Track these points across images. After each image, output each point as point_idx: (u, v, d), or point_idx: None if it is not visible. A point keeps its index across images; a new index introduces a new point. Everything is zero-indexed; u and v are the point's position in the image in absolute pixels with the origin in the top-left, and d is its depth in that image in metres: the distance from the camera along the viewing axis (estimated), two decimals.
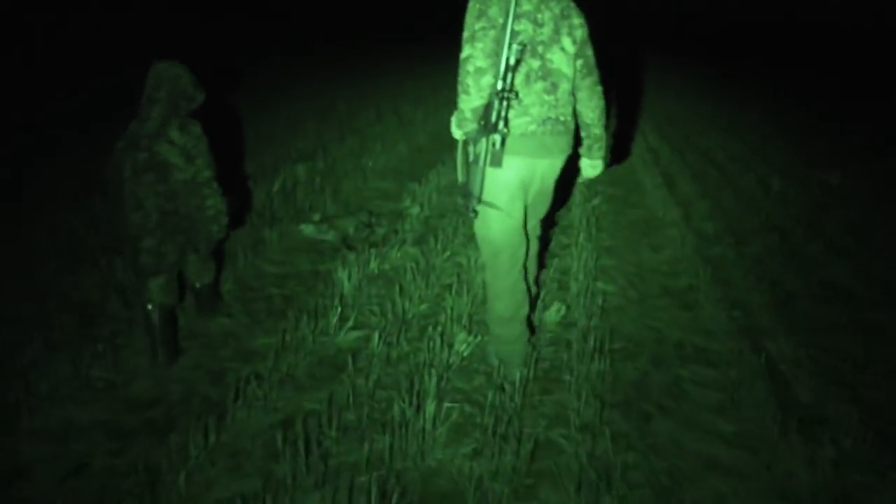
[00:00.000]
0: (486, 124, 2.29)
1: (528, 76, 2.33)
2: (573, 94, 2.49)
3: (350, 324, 3.06)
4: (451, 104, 2.43)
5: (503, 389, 2.60)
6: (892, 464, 2.38)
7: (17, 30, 11.42)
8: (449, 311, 3.14)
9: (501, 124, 2.27)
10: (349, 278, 3.48)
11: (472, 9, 2.28)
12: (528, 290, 2.80)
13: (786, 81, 14.16)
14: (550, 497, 2.14)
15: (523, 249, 2.64)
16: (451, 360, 2.79)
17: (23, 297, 3.15)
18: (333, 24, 19.42)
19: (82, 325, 2.92)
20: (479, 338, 2.93)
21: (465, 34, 2.28)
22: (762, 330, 3.32)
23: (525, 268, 2.74)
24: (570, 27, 2.38)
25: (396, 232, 4.31)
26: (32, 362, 2.64)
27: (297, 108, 8.22)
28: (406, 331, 3.05)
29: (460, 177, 2.54)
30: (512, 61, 2.19)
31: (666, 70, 15.66)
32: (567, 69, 2.40)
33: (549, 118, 2.40)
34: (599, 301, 3.46)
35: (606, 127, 2.65)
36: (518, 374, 2.70)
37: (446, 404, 2.51)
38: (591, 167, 2.76)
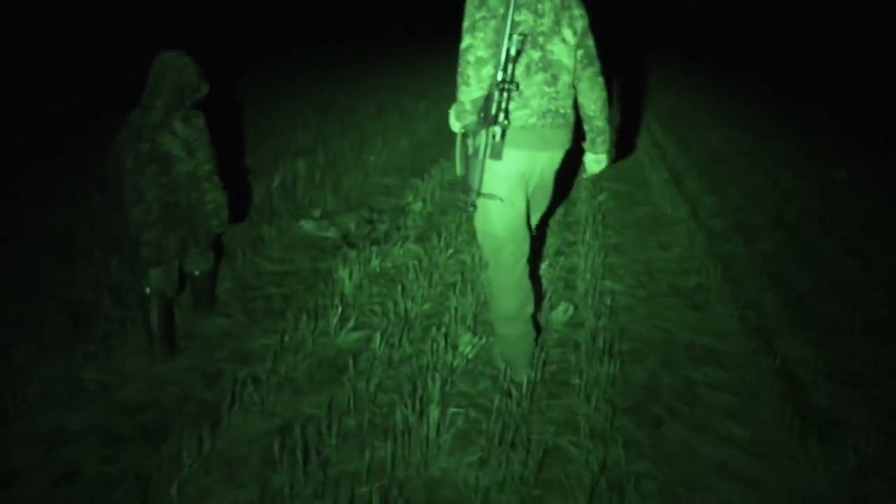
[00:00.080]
0: (486, 116, 2.25)
1: (528, 67, 2.30)
2: (573, 85, 2.45)
3: (351, 324, 2.97)
4: (453, 99, 2.36)
5: (510, 394, 2.51)
6: None
7: (18, 30, 11.30)
8: (453, 311, 3.05)
9: (502, 116, 2.23)
10: (350, 277, 3.39)
11: None
12: (532, 287, 2.71)
13: (786, 77, 14.03)
14: None
15: (528, 243, 2.56)
16: (455, 363, 2.70)
17: (15, 297, 3.06)
18: (334, 19, 19.28)
19: (75, 325, 2.84)
20: (483, 339, 2.84)
21: (466, 24, 2.24)
22: (774, 330, 3.23)
23: (528, 264, 2.64)
24: (571, 18, 2.35)
25: (398, 228, 4.22)
26: (23, 364, 2.56)
27: (298, 102, 8.11)
28: (408, 331, 2.96)
29: (458, 170, 2.49)
30: (513, 52, 2.16)
31: (666, 64, 15.53)
32: (568, 61, 2.36)
33: (550, 110, 2.36)
34: (608, 301, 3.37)
35: (609, 120, 2.59)
36: (525, 376, 2.61)
37: (451, 410, 2.42)
38: (595, 162, 2.69)
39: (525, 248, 2.55)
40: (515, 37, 2.15)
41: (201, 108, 2.76)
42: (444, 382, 2.55)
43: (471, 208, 2.38)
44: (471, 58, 2.22)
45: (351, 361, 2.67)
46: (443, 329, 2.90)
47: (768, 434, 2.45)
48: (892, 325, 3.35)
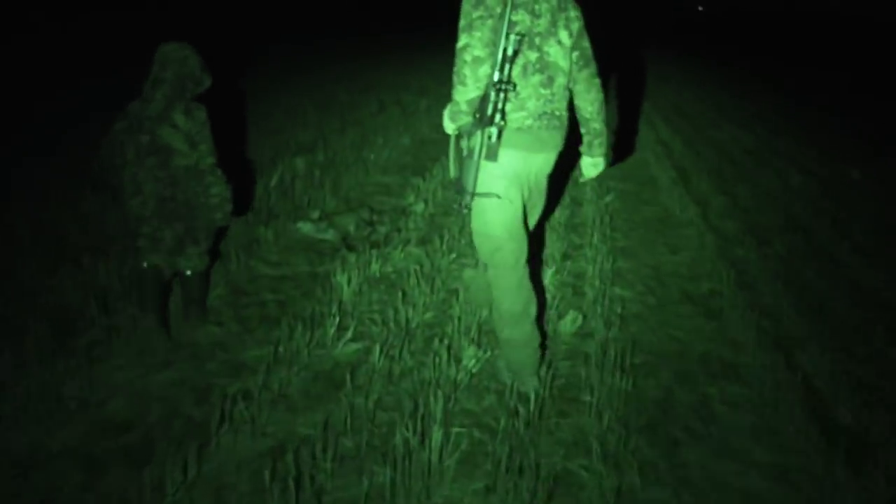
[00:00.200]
0: (482, 117, 2.22)
1: (525, 68, 2.27)
2: (568, 87, 2.42)
3: (349, 334, 2.81)
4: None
5: (516, 413, 2.36)
6: None
7: (19, 29, 11.13)
8: (456, 321, 2.90)
9: (498, 117, 2.20)
10: (349, 282, 3.24)
11: None
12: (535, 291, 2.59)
13: (787, 73, 13.86)
14: None
15: (526, 244, 2.50)
16: (458, 377, 2.55)
17: None
18: (335, 16, 19.09)
19: (58, 334, 2.69)
20: (488, 352, 2.70)
21: (462, 23, 2.21)
22: (792, 340, 3.08)
23: (528, 265, 2.58)
24: (567, 20, 2.34)
25: (399, 231, 4.06)
26: None
27: (298, 98, 7.95)
28: (409, 343, 2.81)
29: (452, 172, 2.44)
30: (510, 52, 2.13)
31: (667, 60, 15.36)
32: (563, 63, 2.34)
33: (545, 113, 2.34)
34: (617, 309, 3.22)
35: (606, 122, 2.54)
36: (532, 386, 2.49)
37: (454, 430, 2.27)
38: (592, 166, 2.64)
39: (525, 248, 2.49)
40: (513, 37, 2.11)
41: (202, 102, 2.68)
42: (447, 399, 2.41)
43: (465, 210, 2.34)
44: (467, 57, 2.18)
45: (348, 376, 2.52)
46: (445, 341, 2.75)
47: (792, 457, 2.30)
48: None
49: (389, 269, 3.56)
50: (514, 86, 2.20)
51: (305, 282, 3.40)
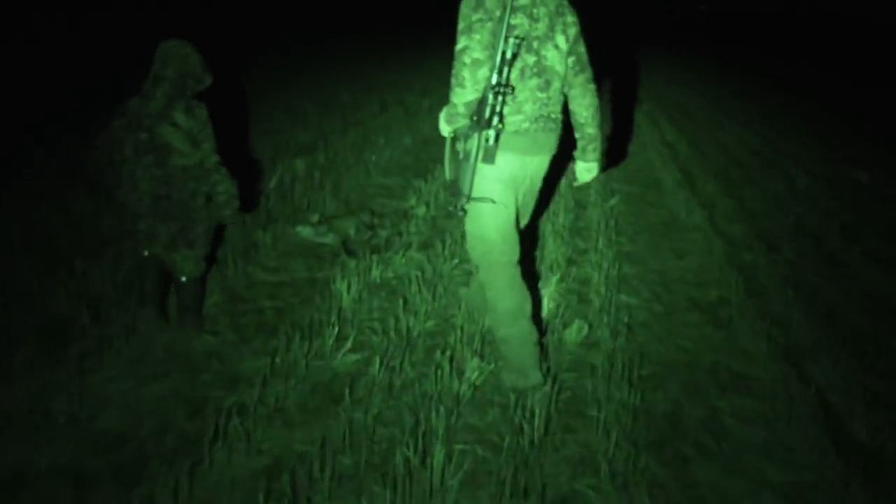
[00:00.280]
0: (479, 120, 2.22)
1: (522, 72, 2.29)
2: (563, 92, 2.45)
3: (348, 344, 2.73)
4: None
5: (521, 429, 2.28)
6: None
7: (15, 29, 11.04)
8: (458, 331, 2.82)
9: (496, 120, 2.20)
10: (348, 289, 3.16)
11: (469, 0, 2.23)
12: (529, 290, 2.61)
13: (790, 73, 13.76)
14: None
15: (518, 245, 2.54)
16: (461, 391, 2.47)
17: None
18: (337, 15, 18.99)
19: (47, 344, 2.61)
20: (492, 364, 2.61)
21: (461, 25, 2.22)
22: (805, 351, 3.00)
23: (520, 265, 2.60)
24: (565, 24, 2.36)
25: (400, 235, 3.98)
26: None
27: (299, 98, 7.87)
28: (410, 353, 2.73)
29: (448, 174, 2.45)
30: (509, 55, 2.14)
31: (670, 59, 15.26)
32: (560, 67, 2.37)
33: (542, 116, 2.36)
34: (624, 318, 3.14)
35: (601, 127, 2.56)
36: (536, 381, 2.47)
37: (457, 447, 2.19)
38: (586, 170, 2.65)
39: (517, 249, 2.52)
40: (512, 40, 2.12)
41: (202, 101, 2.64)
42: (449, 414, 2.33)
43: (461, 213, 2.35)
44: (467, 59, 2.19)
45: (347, 389, 2.44)
46: (448, 351, 2.67)
47: (806, 475, 2.22)
48: None
49: (390, 274, 3.48)
50: (513, 89, 2.21)
51: (304, 288, 3.32)
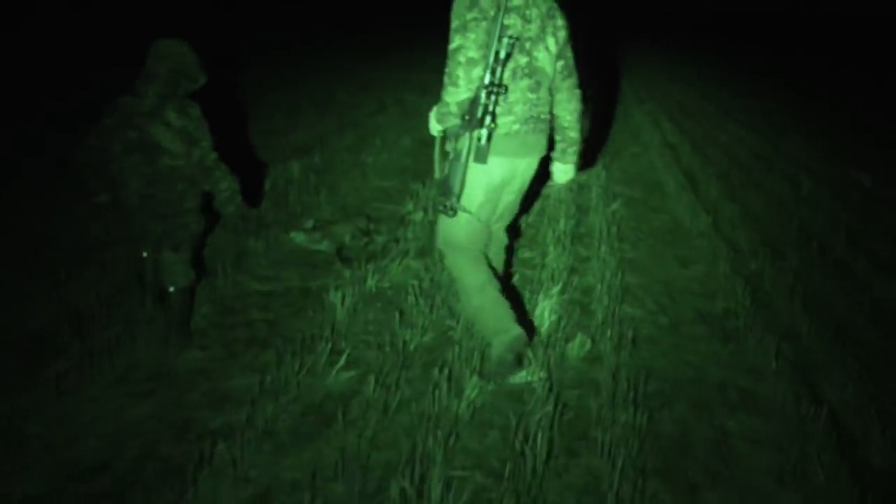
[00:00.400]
0: (471, 119, 2.23)
1: (514, 72, 2.30)
2: (551, 94, 2.49)
3: (342, 361, 2.62)
4: None
5: (522, 453, 2.17)
6: None
7: (9, 30, 10.88)
8: (456, 347, 2.71)
9: (488, 119, 2.22)
10: (343, 301, 3.05)
11: None
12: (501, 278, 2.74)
13: (791, 71, 13.66)
14: None
15: (484, 239, 2.65)
16: (460, 411, 2.36)
17: None
18: (335, 12, 18.82)
19: (25, 362, 2.49)
20: (492, 385, 2.50)
21: (455, 24, 2.23)
22: (816, 368, 2.90)
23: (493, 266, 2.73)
24: (555, 27, 2.39)
25: (397, 241, 3.87)
26: None
27: (296, 97, 7.75)
28: (407, 370, 2.62)
29: (437, 174, 2.48)
30: (503, 54, 2.15)
31: (671, 58, 15.14)
32: (549, 69, 2.40)
33: (532, 117, 2.39)
34: (627, 331, 3.02)
35: (582, 131, 2.63)
36: (519, 328, 2.46)
37: (455, 473, 2.08)
38: (563, 172, 2.70)
39: (483, 240, 2.63)
40: (506, 39, 2.14)
41: (197, 100, 2.59)
42: (447, 437, 2.22)
43: (450, 213, 2.37)
44: (461, 58, 2.20)
45: (340, 410, 2.33)
46: (445, 369, 2.55)
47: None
48: None
49: (386, 284, 3.36)
50: (506, 89, 2.22)
51: (297, 299, 3.20)
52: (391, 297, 3.23)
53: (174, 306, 2.69)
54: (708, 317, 3.32)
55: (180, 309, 2.72)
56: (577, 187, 5.16)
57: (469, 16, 2.20)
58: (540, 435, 2.24)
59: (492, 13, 2.20)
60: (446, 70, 2.24)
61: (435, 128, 2.41)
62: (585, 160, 5.98)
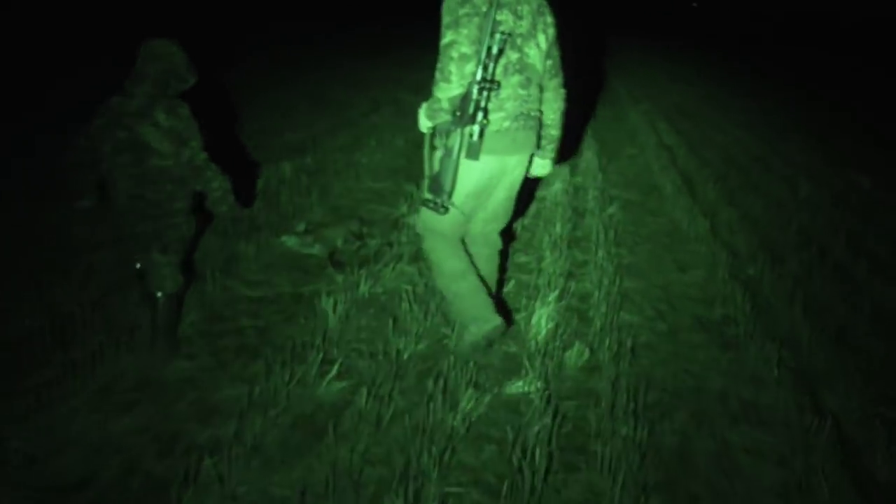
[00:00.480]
0: (463, 115, 2.22)
1: (506, 68, 2.29)
2: (541, 90, 2.49)
3: (334, 371, 2.54)
4: None
5: (520, 469, 2.10)
6: None
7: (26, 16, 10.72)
8: (451, 357, 2.63)
9: (480, 115, 2.21)
10: (335, 307, 2.97)
11: None
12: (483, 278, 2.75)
13: (790, 70, 13.66)
14: None
15: (465, 228, 2.65)
16: (455, 424, 2.29)
17: None
18: (329, 10, 18.69)
19: (4, 374, 2.40)
20: (488, 396, 2.44)
21: (447, 20, 2.22)
22: (818, 377, 2.84)
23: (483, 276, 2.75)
24: (545, 24, 2.39)
25: (391, 245, 3.79)
26: None
27: (288, 96, 7.66)
28: (400, 380, 2.55)
29: (427, 170, 2.46)
30: (495, 50, 2.14)
31: (667, 57, 15.11)
32: (539, 66, 2.40)
33: (522, 113, 2.38)
34: (626, 339, 2.96)
35: (562, 128, 2.65)
36: (498, 318, 2.57)
37: (450, 490, 2.01)
38: (541, 167, 2.72)
39: (461, 233, 2.65)
40: (498, 35, 2.13)
41: (186, 100, 2.54)
42: (442, 452, 2.15)
43: (441, 210, 2.37)
44: (454, 54, 2.19)
45: (331, 424, 2.25)
46: (441, 380, 2.48)
47: None
48: None
49: (379, 290, 3.29)
50: (498, 85, 2.21)
51: (288, 305, 3.12)
52: (384, 304, 3.16)
53: (161, 312, 2.61)
54: (707, 323, 3.26)
55: (168, 315, 2.64)
56: (573, 190, 5.10)
57: (461, 11, 2.19)
58: (538, 449, 2.18)
59: (484, 9, 2.18)
60: (438, 65, 2.23)
61: (424, 124, 2.40)
62: (581, 162, 5.93)
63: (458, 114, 2.23)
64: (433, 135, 2.40)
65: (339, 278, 3.32)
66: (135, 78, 2.44)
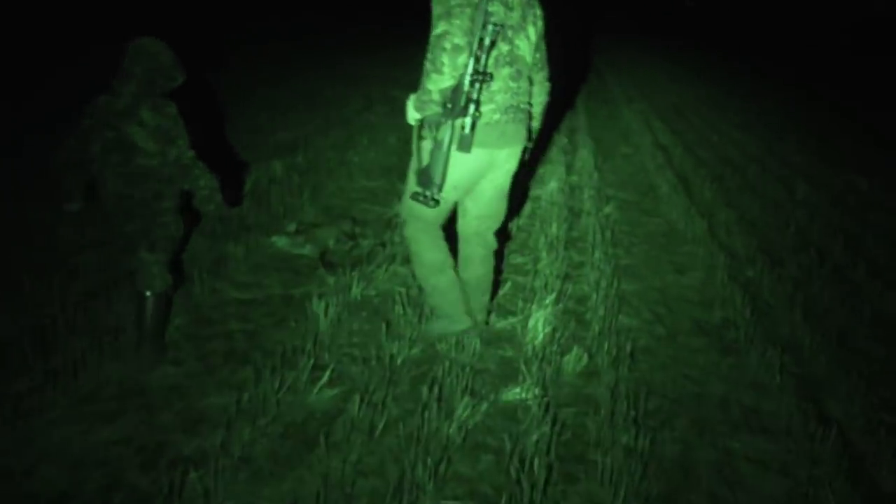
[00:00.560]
0: (454, 107, 2.20)
1: (497, 60, 2.27)
2: (530, 83, 2.48)
3: (325, 377, 2.47)
4: None
5: (518, 480, 2.03)
6: None
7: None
8: (446, 362, 2.56)
9: (472, 108, 2.19)
10: (326, 310, 2.89)
11: None
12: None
13: (788, 69, 13.65)
14: None
15: (448, 216, 2.65)
16: (450, 433, 2.22)
17: None
18: (322, 5, 18.55)
19: None
20: (485, 403, 2.36)
21: (438, 10, 2.19)
22: (820, 383, 2.79)
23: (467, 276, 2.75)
24: (535, 17, 2.38)
25: (384, 246, 3.72)
26: None
27: (280, 93, 7.56)
28: (394, 387, 2.47)
29: (414, 163, 2.45)
30: (487, 41, 2.13)
31: (664, 56, 15.08)
32: (529, 58, 2.40)
33: (512, 106, 2.37)
34: (625, 343, 2.89)
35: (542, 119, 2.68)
36: (468, 320, 2.67)
37: (447, 503, 1.94)
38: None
39: (443, 222, 2.65)
40: (491, 27, 2.10)
41: (174, 99, 2.48)
42: (437, 462, 2.07)
43: (431, 203, 2.33)
44: (447, 45, 2.15)
45: (323, 433, 2.17)
46: (435, 388, 2.41)
47: None
48: None
49: (372, 292, 3.21)
50: (491, 76, 2.19)
51: (278, 307, 3.04)
52: (377, 306, 3.08)
53: (148, 314, 2.53)
54: (706, 327, 3.20)
55: (156, 316, 2.56)
56: (568, 189, 5.03)
57: (453, 2, 2.16)
58: (536, 459, 2.11)
59: (475, 0, 2.15)
60: (429, 57, 2.19)
61: (413, 116, 2.36)
62: (577, 161, 5.87)
63: (449, 106, 2.21)
64: (421, 126, 2.37)
65: (331, 280, 3.24)
66: (122, 77, 2.40)
